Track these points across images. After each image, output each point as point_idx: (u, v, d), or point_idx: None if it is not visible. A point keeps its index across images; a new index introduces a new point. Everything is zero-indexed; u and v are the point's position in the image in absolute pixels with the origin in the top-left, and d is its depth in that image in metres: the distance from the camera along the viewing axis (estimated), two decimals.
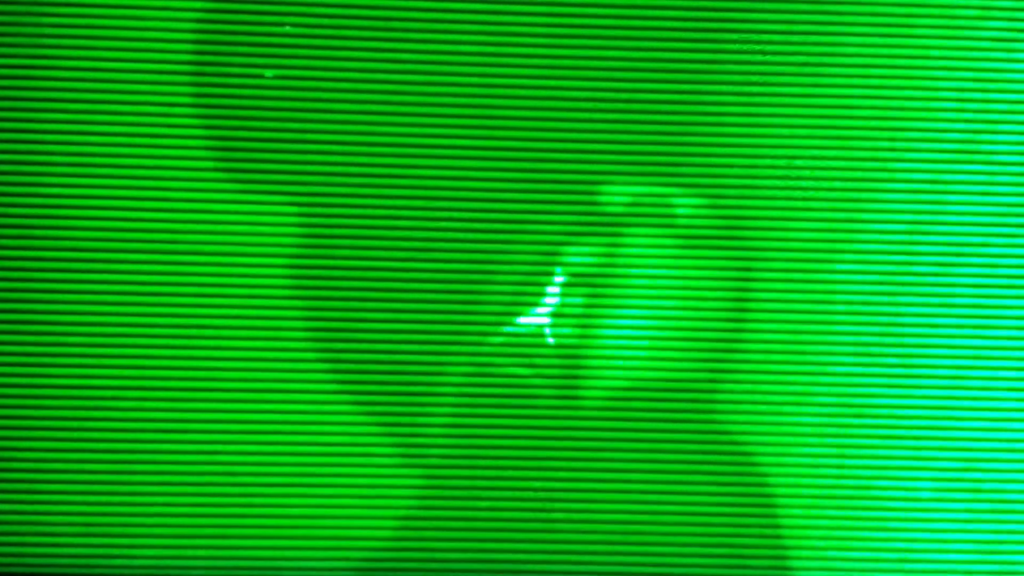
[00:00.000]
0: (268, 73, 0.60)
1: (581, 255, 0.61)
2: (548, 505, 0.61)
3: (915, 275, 0.62)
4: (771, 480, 0.62)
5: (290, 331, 0.62)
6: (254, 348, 0.62)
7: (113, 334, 0.62)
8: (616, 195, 0.61)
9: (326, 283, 0.63)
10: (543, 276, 0.62)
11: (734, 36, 0.62)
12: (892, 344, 0.62)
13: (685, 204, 0.61)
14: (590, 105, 0.61)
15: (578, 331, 0.62)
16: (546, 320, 0.62)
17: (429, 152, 0.62)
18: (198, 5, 0.61)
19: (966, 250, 0.62)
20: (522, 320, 0.62)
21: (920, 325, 0.62)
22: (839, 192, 0.62)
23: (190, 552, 0.63)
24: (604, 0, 0.61)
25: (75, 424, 0.62)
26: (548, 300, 0.63)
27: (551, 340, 0.62)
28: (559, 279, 0.62)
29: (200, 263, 0.62)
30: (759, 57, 0.62)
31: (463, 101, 0.61)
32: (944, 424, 0.62)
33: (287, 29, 0.60)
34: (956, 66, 0.62)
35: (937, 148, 0.62)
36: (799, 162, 0.62)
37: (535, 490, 0.61)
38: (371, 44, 0.61)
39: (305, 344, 0.63)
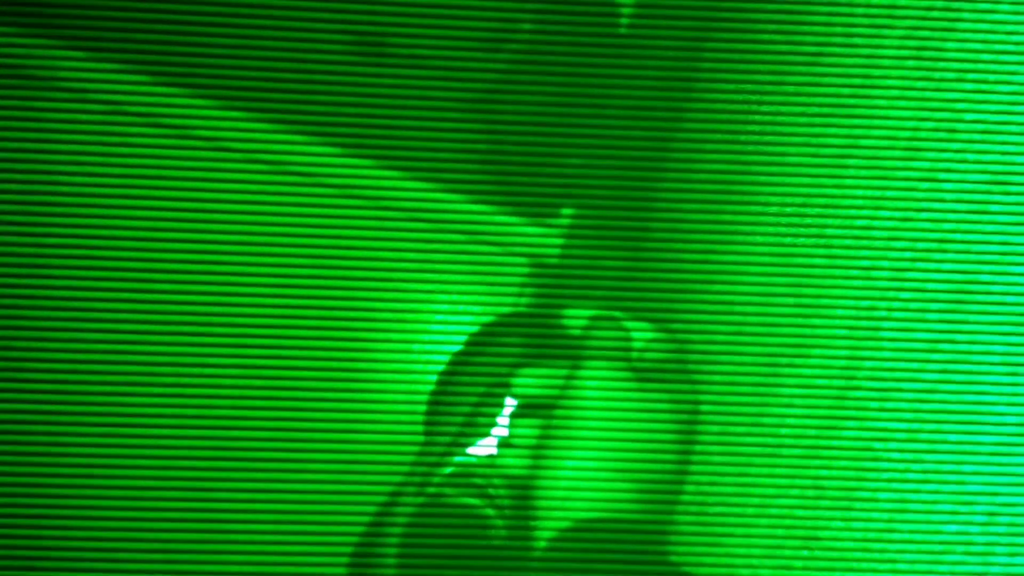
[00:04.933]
0: None
1: (533, 385, 0.62)
2: None
3: (853, 408, 0.64)
4: None
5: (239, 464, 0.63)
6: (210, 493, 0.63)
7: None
8: (571, 324, 0.63)
9: (279, 410, 0.63)
10: (494, 405, 0.63)
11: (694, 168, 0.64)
12: (839, 476, 0.64)
13: (639, 335, 0.63)
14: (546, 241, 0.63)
15: (530, 461, 0.63)
16: (497, 450, 0.63)
17: (385, 285, 0.63)
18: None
19: (902, 385, 0.64)
20: (473, 449, 0.63)
21: (862, 465, 0.63)
22: (781, 324, 0.64)
23: None
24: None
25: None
26: (499, 430, 0.63)
27: (503, 470, 0.63)
28: (510, 409, 0.64)
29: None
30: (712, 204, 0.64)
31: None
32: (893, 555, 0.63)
33: None
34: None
35: (876, 282, 0.64)
36: (745, 293, 0.64)
37: None
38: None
39: (262, 473, 0.64)
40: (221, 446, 0.63)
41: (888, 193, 0.64)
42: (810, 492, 0.63)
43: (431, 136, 0.72)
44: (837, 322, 0.64)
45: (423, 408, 0.65)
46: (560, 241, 0.64)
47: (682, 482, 0.63)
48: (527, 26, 0.71)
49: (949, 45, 0.59)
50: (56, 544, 0.61)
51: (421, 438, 0.65)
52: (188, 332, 0.66)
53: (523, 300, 0.63)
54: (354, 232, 0.64)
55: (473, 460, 0.63)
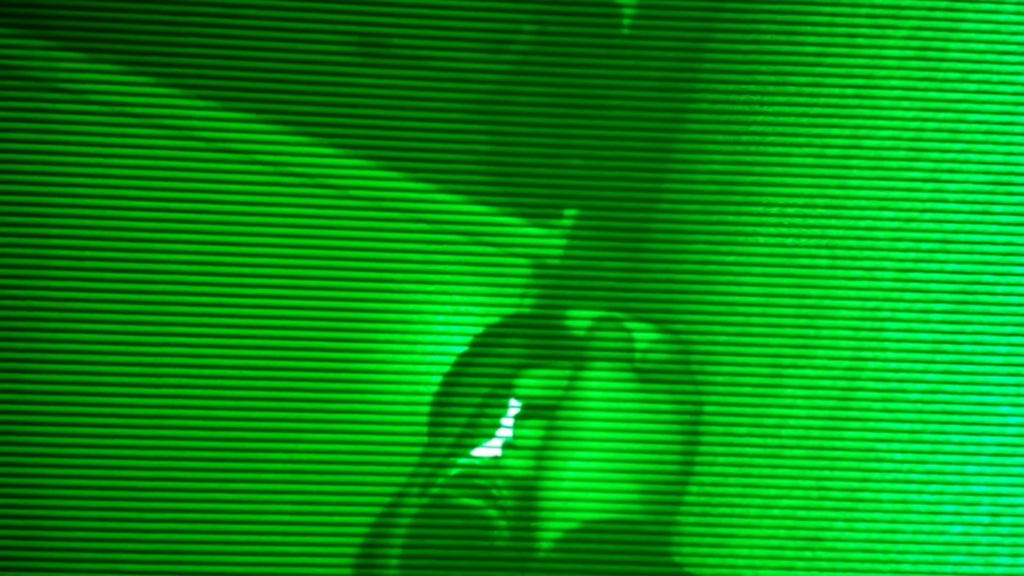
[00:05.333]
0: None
1: (537, 386, 0.62)
2: None
3: (856, 409, 0.64)
4: None
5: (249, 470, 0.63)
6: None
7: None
8: (574, 325, 0.63)
9: (282, 412, 0.63)
10: (497, 407, 0.63)
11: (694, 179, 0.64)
12: (842, 477, 0.63)
13: (642, 336, 0.63)
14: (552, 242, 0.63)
15: (533, 463, 0.62)
16: (501, 451, 0.63)
17: (387, 287, 0.63)
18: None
19: (905, 386, 0.64)
20: (477, 451, 0.63)
21: (866, 466, 0.63)
22: (785, 325, 0.64)
23: None
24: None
25: None
26: (503, 432, 0.63)
27: (506, 471, 0.63)
28: (513, 410, 0.63)
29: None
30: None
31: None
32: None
33: None
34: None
35: (874, 290, 0.64)
36: (749, 294, 0.64)
37: None
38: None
39: (266, 475, 0.64)
40: (224, 447, 0.63)
41: (891, 194, 0.64)
42: (813, 493, 0.63)
43: (433, 138, 0.72)
44: (840, 323, 0.64)
45: (426, 410, 0.65)
46: (563, 242, 0.64)
47: (685, 483, 0.63)
48: (529, 27, 0.71)
49: (953, 46, 0.59)
50: (56, 544, 0.61)
51: (424, 439, 0.64)
52: (189, 334, 0.66)
53: (526, 301, 0.63)
54: (356, 234, 0.64)
55: (477, 462, 0.63)
